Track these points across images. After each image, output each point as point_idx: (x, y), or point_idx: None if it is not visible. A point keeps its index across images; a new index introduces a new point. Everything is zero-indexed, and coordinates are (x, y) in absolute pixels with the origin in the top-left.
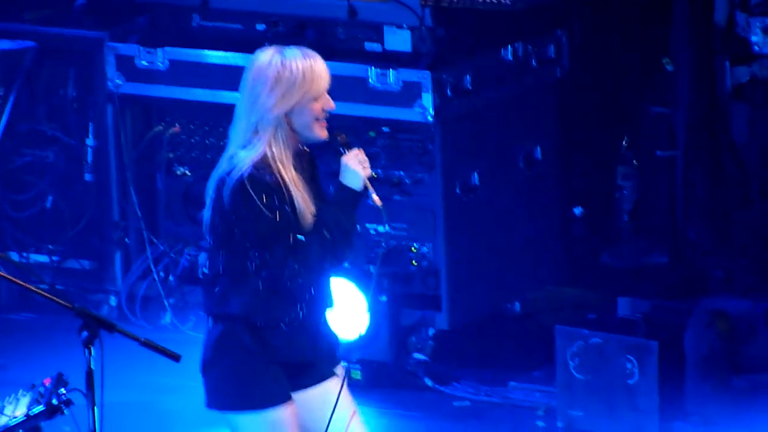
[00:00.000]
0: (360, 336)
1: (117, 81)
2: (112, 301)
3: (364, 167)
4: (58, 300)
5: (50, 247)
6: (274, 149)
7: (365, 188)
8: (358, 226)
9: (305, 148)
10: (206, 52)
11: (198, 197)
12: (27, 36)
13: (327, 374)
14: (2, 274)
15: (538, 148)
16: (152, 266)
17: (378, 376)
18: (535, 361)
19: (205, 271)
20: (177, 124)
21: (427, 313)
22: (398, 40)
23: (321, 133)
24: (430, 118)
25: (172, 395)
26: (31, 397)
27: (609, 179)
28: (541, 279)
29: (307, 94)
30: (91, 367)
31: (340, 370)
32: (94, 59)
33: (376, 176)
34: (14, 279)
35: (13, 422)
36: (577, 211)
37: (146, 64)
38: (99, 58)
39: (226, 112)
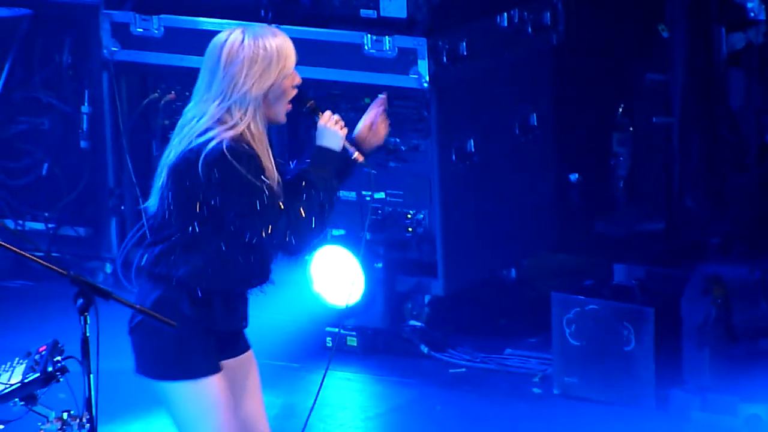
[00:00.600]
0: (355, 303)
1: (112, 48)
2: (108, 268)
3: (341, 127)
4: (53, 267)
5: (46, 214)
6: (252, 129)
7: (344, 148)
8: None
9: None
10: (201, 19)
11: None
12: (22, 3)
13: (247, 344)
14: (4, 244)
15: (534, 115)
16: (147, 233)
17: (373, 343)
18: (531, 328)
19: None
20: (172, 92)
21: (423, 279)
22: (394, 6)
23: (283, 116)
24: (425, 85)
25: None
26: (27, 365)
27: (605, 146)
28: (536, 245)
29: (282, 71)
30: (87, 334)
31: (251, 352)
32: (89, 26)
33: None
34: (10, 246)
35: (8, 390)
36: (573, 177)
37: (141, 31)
38: (94, 25)
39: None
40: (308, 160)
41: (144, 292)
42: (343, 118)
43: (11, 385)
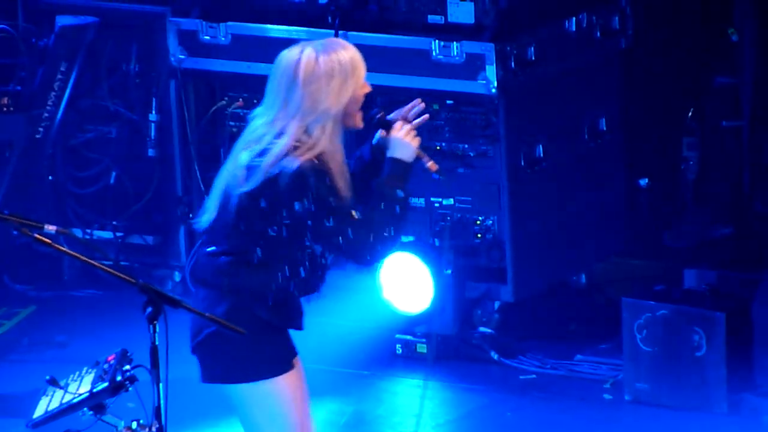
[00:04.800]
0: (425, 309)
1: (179, 56)
2: (176, 276)
3: (413, 137)
4: (122, 276)
5: (114, 223)
6: (328, 147)
7: (418, 157)
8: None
9: None
10: (269, 27)
11: None
12: (89, 11)
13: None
14: (66, 250)
15: (603, 120)
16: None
17: (443, 349)
18: (602, 334)
19: (213, 248)
20: (240, 99)
21: (492, 285)
22: (461, 11)
23: (360, 121)
24: (493, 90)
25: None
26: (96, 374)
27: (674, 150)
28: (606, 251)
29: (357, 82)
30: (156, 343)
31: None
32: (156, 34)
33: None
34: (78, 255)
35: (77, 399)
36: (643, 182)
37: (208, 38)
38: (161, 33)
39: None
40: (382, 172)
41: (209, 301)
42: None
43: (80, 394)
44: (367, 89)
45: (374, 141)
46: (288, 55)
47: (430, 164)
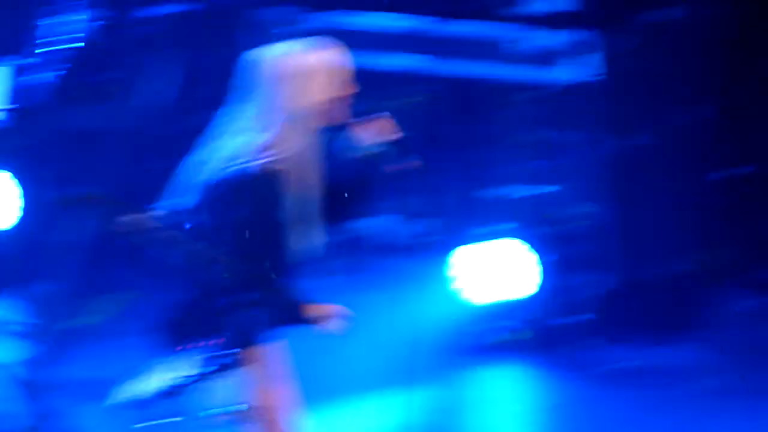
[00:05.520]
0: (530, 296)
1: None
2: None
3: (391, 132)
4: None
5: None
6: (296, 146)
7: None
8: None
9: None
10: (363, 15)
11: None
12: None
13: None
14: (168, 236)
15: (708, 107)
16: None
17: (545, 337)
18: (703, 322)
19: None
20: None
21: (597, 272)
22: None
23: (339, 117)
24: (598, 78)
25: (323, 360)
26: (204, 358)
27: None
28: (711, 239)
29: (329, 84)
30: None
31: None
32: (252, 23)
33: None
34: (178, 238)
35: (187, 381)
36: (747, 169)
37: (303, 27)
38: (257, 22)
39: (383, 76)
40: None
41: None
42: (510, 116)
43: (189, 376)
44: (349, 90)
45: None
46: (273, 52)
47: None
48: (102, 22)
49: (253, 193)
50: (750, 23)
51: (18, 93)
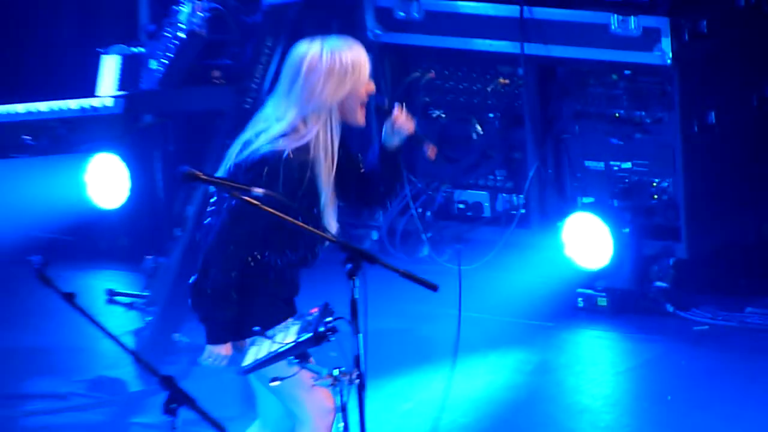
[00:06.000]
0: (605, 266)
1: (376, 31)
2: (374, 235)
3: (408, 121)
4: (324, 235)
5: None
6: (321, 136)
7: (417, 141)
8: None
9: None
10: (459, 3)
11: (452, 138)
12: None
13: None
14: (272, 210)
15: None
16: (411, 203)
17: (622, 303)
18: (764, 287)
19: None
20: (432, 71)
21: (668, 243)
22: None
23: (361, 118)
24: (668, 61)
25: (429, 323)
26: (300, 326)
27: None
28: None
29: (357, 82)
30: (355, 296)
31: None
32: (354, 11)
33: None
34: (283, 215)
35: (284, 348)
36: None
37: (403, 15)
38: (359, 10)
39: (478, 58)
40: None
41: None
42: (589, 96)
43: (286, 344)
44: (370, 88)
45: (383, 135)
46: (297, 49)
47: (430, 149)
48: (207, 14)
49: (270, 175)
50: None
51: (127, 80)
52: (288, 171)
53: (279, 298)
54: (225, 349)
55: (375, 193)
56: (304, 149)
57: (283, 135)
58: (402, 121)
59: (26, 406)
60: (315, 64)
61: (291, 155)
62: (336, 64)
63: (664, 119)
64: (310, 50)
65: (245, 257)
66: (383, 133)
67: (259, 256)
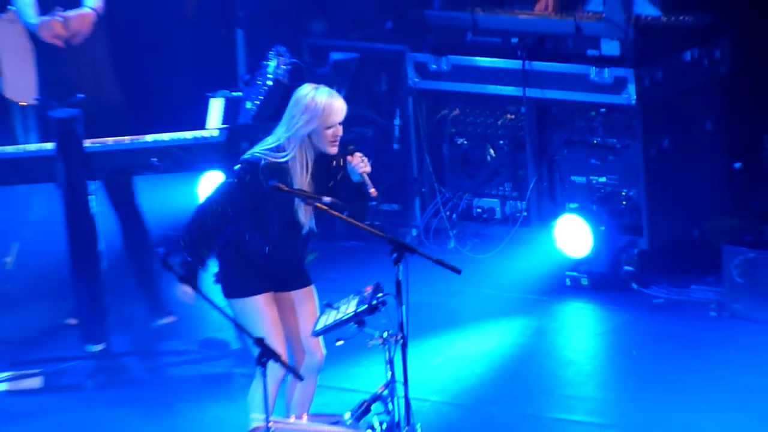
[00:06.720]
0: (587, 255)
1: (415, 80)
2: (413, 232)
3: (364, 165)
4: (376, 232)
5: None
6: (297, 154)
7: (363, 181)
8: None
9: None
10: (477, 59)
11: (472, 159)
12: (352, 49)
13: (296, 287)
14: (338, 214)
15: (709, 123)
16: (441, 208)
17: (599, 282)
18: (710, 270)
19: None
20: (457, 109)
21: (633, 237)
22: (610, 47)
23: (332, 150)
24: (633, 102)
25: (454, 298)
26: (359, 300)
27: (759, 144)
28: (713, 214)
29: (323, 124)
30: (399, 278)
31: (312, 289)
32: (398, 64)
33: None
34: (347, 218)
35: (346, 317)
36: (737, 165)
37: (435, 67)
38: (402, 63)
39: (491, 99)
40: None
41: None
42: (575, 128)
43: (348, 313)
44: (337, 132)
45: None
46: (302, 88)
47: (372, 190)
48: (289, 66)
49: (252, 174)
50: (741, 63)
51: (228, 116)
52: (257, 175)
53: (254, 272)
54: (185, 288)
55: (348, 210)
56: (282, 162)
57: (269, 148)
58: (355, 162)
59: (157, 361)
60: (300, 101)
61: (266, 163)
62: (311, 105)
63: (630, 145)
64: (303, 91)
65: (215, 224)
66: (348, 169)
67: (235, 234)
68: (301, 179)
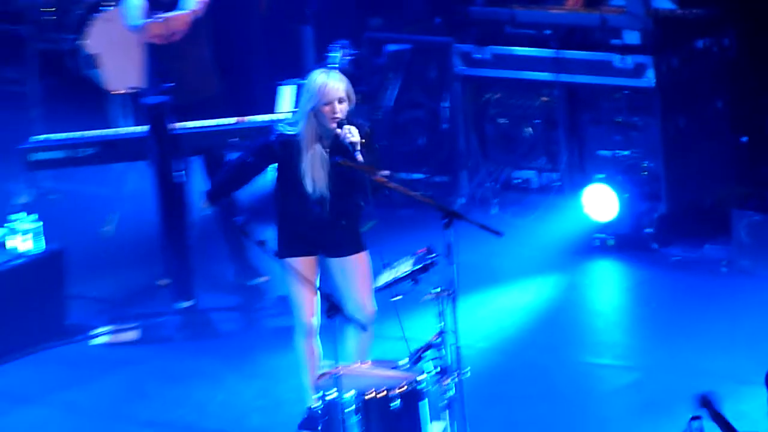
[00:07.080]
0: (613, 219)
1: (461, 67)
2: (461, 201)
3: (351, 136)
4: (428, 200)
5: (424, 168)
6: (306, 127)
7: (353, 148)
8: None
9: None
10: (515, 48)
11: (512, 137)
12: (405, 42)
13: (344, 253)
14: (394, 185)
15: (720, 102)
16: (485, 179)
17: (623, 243)
18: (721, 232)
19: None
20: (498, 93)
21: (654, 203)
22: (632, 37)
23: (332, 125)
24: (653, 85)
25: (497, 257)
26: (414, 260)
27: (763, 121)
28: (724, 182)
29: (320, 100)
30: (450, 241)
31: (363, 256)
32: (446, 54)
33: (362, 141)
34: (402, 188)
35: (402, 275)
36: (744, 139)
37: (478, 56)
38: (449, 53)
39: (528, 84)
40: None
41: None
42: (601, 108)
43: (404, 272)
44: (333, 110)
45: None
46: (310, 74)
47: (359, 157)
48: (351, 57)
49: (271, 148)
50: (747, 48)
51: (297, 101)
52: (273, 144)
53: (288, 236)
54: (205, 203)
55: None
56: (293, 135)
57: (288, 123)
58: (344, 134)
59: (238, 315)
60: (308, 82)
61: (281, 135)
62: (311, 84)
63: (650, 123)
64: (314, 74)
65: (250, 173)
66: (341, 138)
67: (275, 200)
68: (310, 150)
